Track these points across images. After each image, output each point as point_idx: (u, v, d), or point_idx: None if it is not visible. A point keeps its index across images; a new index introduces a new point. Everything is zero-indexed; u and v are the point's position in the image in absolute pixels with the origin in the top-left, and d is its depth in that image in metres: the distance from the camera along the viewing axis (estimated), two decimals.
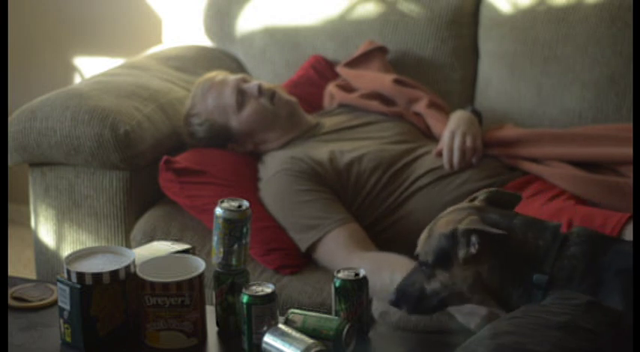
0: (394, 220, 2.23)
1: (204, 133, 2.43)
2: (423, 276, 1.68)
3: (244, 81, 2.46)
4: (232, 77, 2.46)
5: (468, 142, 2.27)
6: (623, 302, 1.55)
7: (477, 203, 1.72)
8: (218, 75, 2.49)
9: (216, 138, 2.43)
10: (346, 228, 2.14)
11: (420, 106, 2.51)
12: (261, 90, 2.41)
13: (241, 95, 2.41)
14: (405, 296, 1.69)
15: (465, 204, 1.74)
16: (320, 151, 2.32)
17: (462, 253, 1.62)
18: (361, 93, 2.56)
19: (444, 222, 1.67)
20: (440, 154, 2.29)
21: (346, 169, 2.27)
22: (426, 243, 1.68)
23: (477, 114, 2.43)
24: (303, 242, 2.18)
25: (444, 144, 2.29)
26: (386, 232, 2.23)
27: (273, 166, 2.31)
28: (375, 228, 2.23)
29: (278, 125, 2.41)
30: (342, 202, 2.24)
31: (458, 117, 2.37)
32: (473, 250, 1.61)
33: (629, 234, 1.93)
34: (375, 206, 2.24)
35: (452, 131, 2.30)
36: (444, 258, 1.64)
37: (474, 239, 1.61)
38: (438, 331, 1.93)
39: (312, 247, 2.17)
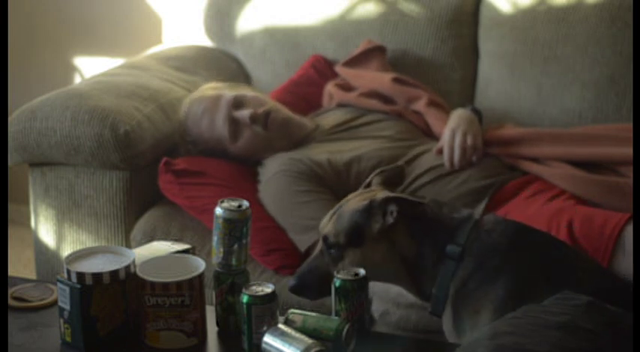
0: None
1: (204, 154, 2.41)
2: (328, 259, 1.71)
3: (237, 105, 2.38)
4: (224, 100, 2.38)
5: (469, 141, 2.27)
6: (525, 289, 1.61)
7: (375, 188, 1.78)
8: (210, 93, 2.41)
9: (215, 156, 2.41)
10: None
11: (420, 105, 2.51)
12: (253, 119, 2.36)
13: (234, 124, 2.36)
14: (308, 283, 1.72)
15: (366, 189, 1.80)
16: (319, 152, 2.31)
17: (377, 225, 1.67)
18: (360, 93, 2.56)
19: (354, 202, 1.71)
20: (440, 152, 2.29)
21: (346, 169, 2.27)
22: (335, 223, 1.70)
23: (477, 113, 2.43)
24: (302, 243, 2.18)
25: (444, 142, 2.29)
26: None
27: (272, 167, 2.30)
28: None
29: (275, 145, 2.37)
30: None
31: (458, 116, 2.36)
32: (390, 219, 1.66)
33: (629, 235, 1.93)
34: None
35: (452, 129, 2.30)
36: (356, 235, 1.68)
37: (392, 207, 1.66)
38: (437, 331, 1.93)
39: (312, 248, 2.17)
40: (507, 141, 2.33)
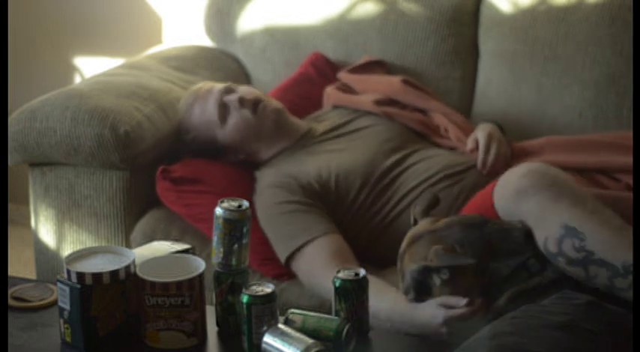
0: (387, 231, 2.19)
1: (195, 146, 2.42)
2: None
3: (228, 91, 2.40)
4: (216, 88, 2.41)
5: (503, 148, 2.26)
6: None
7: (426, 224, 1.87)
8: (204, 85, 2.45)
9: (207, 151, 2.41)
10: (328, 239, 2.11)
11: (434, 105, 2.51)
12: (242, 102, 2.36)
13: (224, 108, 2.37)
14: None
15: (418, 229, 1.88)
16: (308, 167, 2.27)
17: (437, 280, 1.79)
18: (375, 99, 2.51)
19: (408, 260, 1.83)
20: (473, 151, 2.27)
21: (335, 186, 2.23)
22: (402, 283, 1.85)
23: (501, 129, 2.41)
24: (282, 252, 2.14)
25: (480, 142, 2.26)
26: (377, 242, 2.21)
27: (263, 183, 2.29)
28: (367, 238, 2.21)
29: (264, 135, 2.36)
30: (332, 216, 2.20)
31: (491, 126, 2.35)
32: (444, 277, 1.77)
33: None
34: (365, 220, 2.21)
35: (490, 134, 2.28)
36: (423, 289, 1.80)
37: (443, 270, 1.77)
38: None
39: (292, 256, 2.13)
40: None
